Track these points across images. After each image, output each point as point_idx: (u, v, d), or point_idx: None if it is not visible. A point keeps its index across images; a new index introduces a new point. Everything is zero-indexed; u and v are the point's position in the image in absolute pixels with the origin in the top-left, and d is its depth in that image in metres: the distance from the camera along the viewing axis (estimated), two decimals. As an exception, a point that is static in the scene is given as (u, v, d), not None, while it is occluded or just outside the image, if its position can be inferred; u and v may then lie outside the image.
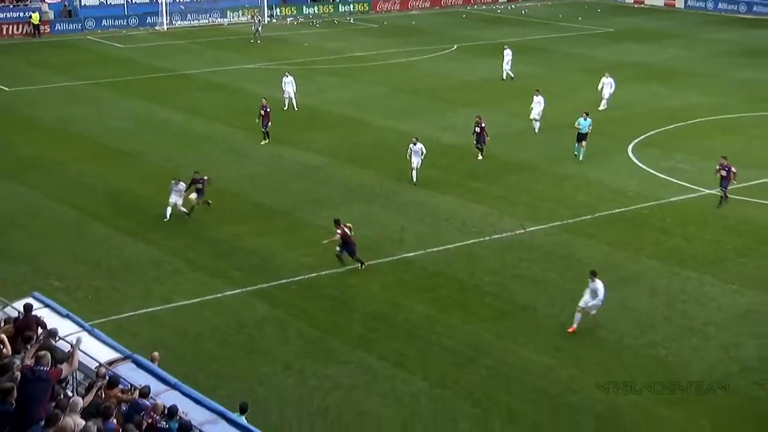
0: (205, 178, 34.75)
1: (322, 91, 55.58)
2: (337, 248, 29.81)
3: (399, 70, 63.17)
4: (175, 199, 33.91)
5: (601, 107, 49.94)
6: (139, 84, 57.78)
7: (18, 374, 14.37)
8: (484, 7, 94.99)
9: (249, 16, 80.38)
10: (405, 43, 72.83)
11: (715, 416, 22.42)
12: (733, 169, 35.66)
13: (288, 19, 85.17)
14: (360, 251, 30.55)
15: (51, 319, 19.80)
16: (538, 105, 46.23)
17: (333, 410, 22.52)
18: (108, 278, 29.82)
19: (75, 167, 40.93)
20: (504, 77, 59.02)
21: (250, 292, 28.92)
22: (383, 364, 24.58)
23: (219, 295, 28.68)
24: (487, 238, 33.20)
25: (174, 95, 54.78)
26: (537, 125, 46.28)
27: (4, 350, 15.70)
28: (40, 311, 19.67)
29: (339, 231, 29.57)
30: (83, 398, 15.43)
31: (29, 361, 15.06)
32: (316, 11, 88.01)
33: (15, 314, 19.17)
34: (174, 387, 18.18)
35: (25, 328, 17.58)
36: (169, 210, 33.93)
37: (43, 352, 15.17)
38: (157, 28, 79.01)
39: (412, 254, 31.81)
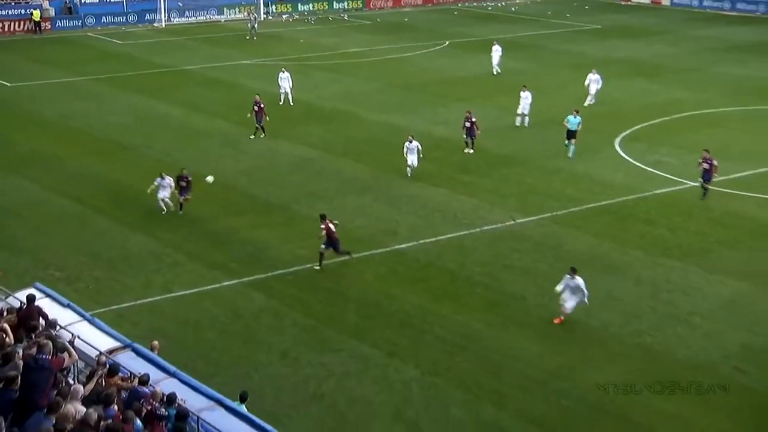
0: (190, 178, 34.05)
1: (316, 86, 55.55)
2: (322, 245, 29.57)
3: (392, 65, 63.13)
4: (163, 194, 33.84)
5: (587, 102, 49.97)
6: (139, 79, 57.71)
7: (21, 363, 14.40)
8: (475, 4, 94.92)
9: (245, 13, 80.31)
10: (398, 39, 72.81)
11: (700, 402, 22.53)
12: (715, 162, 35.80)
13: (283, 16, 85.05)
14: (354, 243, 30.59)
15: (52, 309, 19.84)
16: (525, 100, 46.32)
17: (327, 397, 22.59)
18: (108, 269, 29.83)
19: (76, 161, 40.89)
20: (494, 72, 59.05)
21: (246, 282, 28.95)
22: (376, 353, 24.65)
23: (217, 285, 28.72)
24: (478, 230, 33.26)
25: (172, 90, 54.71)
26: (526, 120, 46.33)
27: (7, 339, 15.73)
28: (42, 301, 19.69)
29: (323, 226, 29.40)
30: (84, 386, 15.47)
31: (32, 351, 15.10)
32: (311, 8, 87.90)
33: (17, 304, 19.18)
34: (173, 375, 18.23)
35: (28, 318, 17.60)
36: (162, 203, 33.99)
37: (44, 341, 15.21)
38: (155, 24, 78.84)
39: (404, 246, 31.86)
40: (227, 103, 50.77)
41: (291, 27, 79.88)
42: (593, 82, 51.14)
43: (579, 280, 25.51)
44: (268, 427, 16.84)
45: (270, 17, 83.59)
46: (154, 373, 17.60)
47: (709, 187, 36.02)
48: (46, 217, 34.53)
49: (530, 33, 76.58)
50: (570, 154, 41.23)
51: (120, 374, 16.69)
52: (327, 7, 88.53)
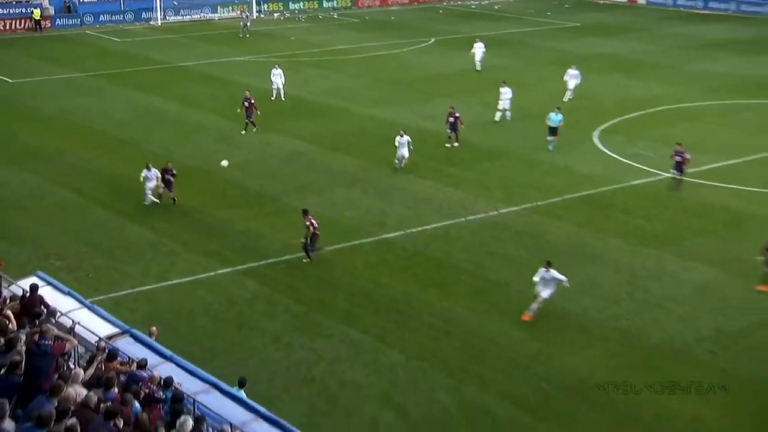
0: (175, 172, 33.95)
1: (307, 82, 55.48)
2: (302, 240, 29.33)
3: (380, 62, 63.08)
4: (149, 185, 33.67)
5: (567, 98, 50.05)
6: (136, 76, 57.54)
7: (24, 348, 14.41)
8: (459, 2, 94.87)
9: (238, 12, 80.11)
10: (385, 36, 72.75)
11: (671, 381, 22.64)
12: (687, 155, 35.95)
13: (275, 15, 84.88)
14: (343, 233, 30.64)
15: (53, 296, 19.85)
16: (505, 96, 46.32)
17: (318, 380, 22.63)
18: (107, 258, 29.80)
19: (76, 155, 40.78)
20: (479, 68, 59.05)
21: (240, 271, 28.96)
22: (365, 338, 24.71)
23: (212, 273, 28.72)
24: (462, 220, 33.32)
25: (169, 86, 54.56)
26: (507, 114, 46.31)
27: (10, 326, 15.74)
28: (44, 289, 19.68)
29: (307, 222, 29.17)
30: (85, 371, 15.49)
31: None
32: (302, 7, 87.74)
33: (20, 292, 19.17)
34: (169, 359, 18.27)
35: (31, 305, 17.61)
36: (149, 196, 33.78)
37: (46, 328, 15.23)
38: (151, 22, 78.57)
39: (392, 235, 31.90)
40: (222, 99, 50.66)
41: (282, 25, 79.72)
42: (572, 77, 51.25)
43: (554, 273, 25.36)
44: (261, 409, 16.89)
45: (262, 15, 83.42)
46: (152, 358, 17.63)
47: (683, 178, 36.15)
48: (48, 208, 34.47)
49: (513, 30, 76.61)
50: (550, 148, 41.28)
51: (119, 359, 16.71)
52: (317, 5, 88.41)
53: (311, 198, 34.86)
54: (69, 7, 77.90)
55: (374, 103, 50.57)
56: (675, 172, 36.16)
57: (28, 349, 14.19)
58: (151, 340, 19.14)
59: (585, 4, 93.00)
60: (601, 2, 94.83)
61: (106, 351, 16.49)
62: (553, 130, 41.43)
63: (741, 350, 24.42)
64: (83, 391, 13.76)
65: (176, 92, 52.94)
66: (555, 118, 41.54)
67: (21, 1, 75.74)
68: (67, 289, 20.99)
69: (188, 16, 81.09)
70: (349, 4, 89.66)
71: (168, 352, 18.56)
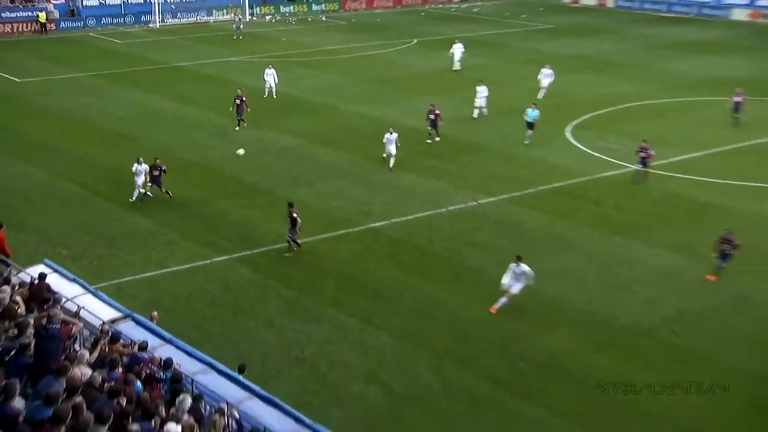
0: (164, 168, 33.24)
1: (297, 80, 55.31)
2: (289, 235, 29.17)
3: (366, 62, 62.97)
4: (139, 180, 33.21)
5: (540, 95, 50.11)
6: (136, 75, 57.26)
7: (33, 332, 14.39)
8: (440, 6, 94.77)
9: (232, 15, 79.81)
10: (371, 38, 72.62)
11: (638, 359, 22.83)
12: (651, 151, 36.13)
13: (267, 17, 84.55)
14: (332, 222, 30.64)
15: (60, 283, 19.81)
16: (481, 94, 46.33)
17: (309, 361, 22.67)
18: (110, 247, 29.72)
19: (79, 150, 40.60)
20: (459, 68, 59.01)
21: (235, 258, 28.93)
22: (353, 321, 24.74)
23: (208, 261, 28.69)
24: (444, 210, 33.37)
25: (167, 85, 54.33)
26: (484, 111, 46.30)
27: (19, 310, 15.71)
28: (51, 276, 19.62)
29: (295, 213, 28.74)
30: (90, 353, 15.48)
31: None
32: (292, 10, 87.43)
33: (28, 279, 19.12)
34: (169, 342, 18.24)
35: (39, 292, 17.59)
36: (138, 191, 33.30)
37: (54, 312, 15.22)
38: (150, 25, 78.15)
39: (378, 224, 31.92)
40: (217, 97, 50.44)
41: (274, 27, 79.44)
42: (546, 76, 51.30)
43: (524, 267, 25.06)
44: (256, 388, 16.90)
45: (255, 18, 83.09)
46: (152, 340, 17.60)
47: (648, 170, 36.29)
48: (53, 200, 34.33)
49: (491, 32, 76.58)
50: (527, 141, 41.35)
51: (121, 341, 16.69)
52: (306, 9, 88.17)
53: (302, 190, 34.83)
54: (73, 10, 77.48)
55: (361, 100, 50.51)
56: (640, 166, 36.30)
57: (37, 332, 14.17)
58: (152, 324, 19.10)
59: (558, 8, 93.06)
60: (573, 6, 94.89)
61: (110, 334, 16.47)
62: (530, 125, 41.51)
63: (701, 330, 24.60)
64: (88, 372, 13.76)
65: (174, 91, 52.72)
66: (532, 114, 41.62)
67: (27, 5, 75.32)
68: (72, 276, 20.93)
69: (185, 19, 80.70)
70: (337, 7, 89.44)
71: (167, 335, 18.53)
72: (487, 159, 39.81)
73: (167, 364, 15.83)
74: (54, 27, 74.96)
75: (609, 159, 39.52)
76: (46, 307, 16.26)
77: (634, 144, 38.24)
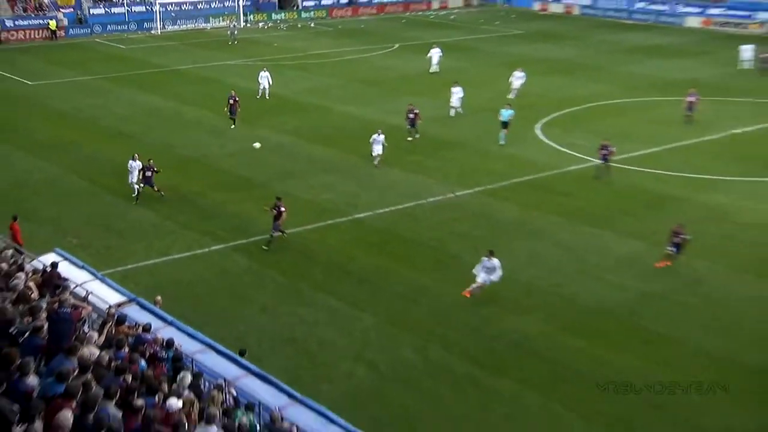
0: (156, 169, 32.37)
1: (289, 82, 55.12)
2: (281, 229, 28.85)
3: (352, 65, 62.77)
4: (131, 178, 32.64)
5: (511, 96, 50.04)
6: (139, 78, 56.89)
7: (46, 315, 14.29)
8: (419, 13, 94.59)
9: (227, 21, 79.42)
10: (356, 42, 72.42)
11: (604, 337, 22.89)
12: (612, 148, 36.20)
13: (260, 24, 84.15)
14: (321, 212, 30.55)
15: (70, 270, 19.70)
16: (456, 95, 46.26)
17: (300, 341, 22.63)
18: (116, 237, 29.56)
19: (87, 147, 40.33)
20: (437, 70, 58.90)
21: (232, 247, 28.82)
22: (341, 305, 24.70)
23: (207, 250, 28.57)
24: (425, 201, 33.34)
25: (167, 87, 54.01)
26: (459, 110, 46.15)
27: (33, 295, 15.60)
28: (62, 264, 19.49)
29: (283, 207, 28.50)
30: (98, 334, 15.38)
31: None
32: (283, 17, 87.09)
33: (41, 266, 18.98)
34: (170, 324, 18.16)
35: (51, 278, 17.48)
36: (132, 187, 32.72)
37: (65, 297, 15.13)
38: (152, 31, 77.61)
39: (364, 215, 31.86)
40: (215, 98, 50.12)
41: (266, 33, 79.06)
42: (517, 78, 51.27)
43: (495, 261, 24.72)
44: (252, 366, 16.86)
45: (248, 25, 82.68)
46: (155, 323, 17.54)
47: (610, 164, 36.35)
48: (63, 193, 34.10)
49: (467, 37, 76.46)
50: (501, 141, 41.21)
51: (127, 323, 16.59)
52: (296, 16, 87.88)
53: (293, 183, 34.73)
54: (81, 18, 76.99)
55: (348, 100, 50.37)
56: (602, 162, 36.37)
57: (49, 316, 14.08)
58: (155, 307, 19.02)
59: (528, 15, 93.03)
60: (542, 13, 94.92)
61: (116, 317, 16.35)
62: (504, 124, 41.42)
63: (660, 310, 24.70)
64: (97, 351, 13.66)
65: (174, 92, 52.42)
66: (506, 113, 41.49)
67: (39, 14, 74.86)
68: (81, 264, 20.80)
69: (184, 26, 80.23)
70: (324, 14, 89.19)
71: (169, 318, 18.46)
72: (464, 154, 39.79)
73: (169, 344, 15.76)
74: (63, 34, 74.39)
75: (575, 154, 39.59)
76: (57, 292, 16.17)
77: (598, 140, 38.28)
